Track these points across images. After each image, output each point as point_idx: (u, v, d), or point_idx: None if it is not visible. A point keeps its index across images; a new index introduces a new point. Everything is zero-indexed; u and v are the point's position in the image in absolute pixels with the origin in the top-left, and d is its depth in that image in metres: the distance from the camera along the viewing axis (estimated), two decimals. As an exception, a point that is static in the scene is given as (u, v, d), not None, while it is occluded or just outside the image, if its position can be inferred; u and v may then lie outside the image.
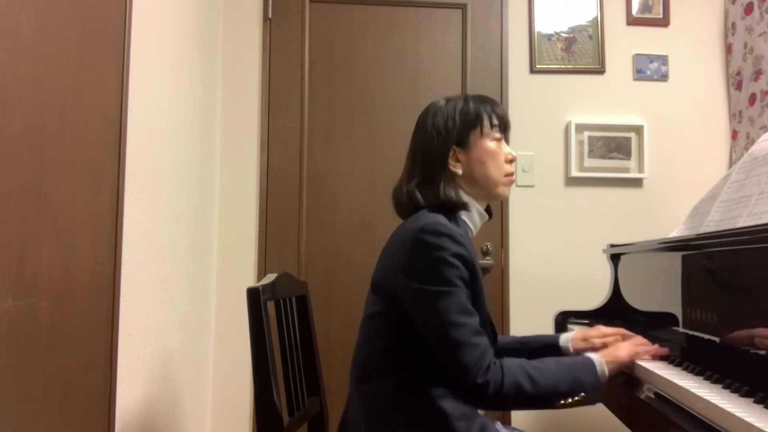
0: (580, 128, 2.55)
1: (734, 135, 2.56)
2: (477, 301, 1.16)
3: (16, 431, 0.94)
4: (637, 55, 2.61)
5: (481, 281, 1.19)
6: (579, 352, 1.35)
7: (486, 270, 2.44)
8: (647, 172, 2.56)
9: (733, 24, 2.56)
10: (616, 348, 1.28)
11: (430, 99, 1.38)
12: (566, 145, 2.57)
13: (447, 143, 1.26)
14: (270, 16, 2.49)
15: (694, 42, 2.63)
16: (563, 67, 2.58)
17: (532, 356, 1.20)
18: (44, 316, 1.01)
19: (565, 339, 1.42)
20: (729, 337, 1.14)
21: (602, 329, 1.42)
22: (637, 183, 2.57)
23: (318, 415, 1.50)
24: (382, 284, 1.22)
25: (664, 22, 2.63)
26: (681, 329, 1.35)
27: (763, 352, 1.03)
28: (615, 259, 1.90)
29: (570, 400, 1.13)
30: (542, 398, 1.12)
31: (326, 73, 2.51)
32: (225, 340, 2.38)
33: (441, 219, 1.17)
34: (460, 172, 1.26)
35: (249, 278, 2.42)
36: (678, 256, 1.39)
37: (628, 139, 2.56)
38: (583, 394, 1.13)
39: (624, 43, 2.62)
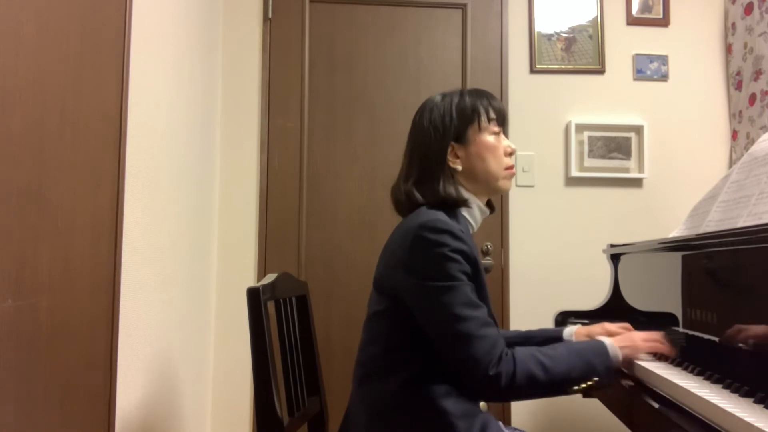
0: (580, 128, 2.55)
1: (734, 135, 2.56)
2: (480, 296, 1.16)
3: (16, 431, 0.93)
4: (637, 55, 2.61)
5: (484, 277, 1.19)
6: None
7: (486, 270, 2.43)
8: (647, 172, 2.56)
9: (733, 24, 2.56)
10: (632, 335, 1.27)
11: (430, 99, 1.38)
12: (566, 145, 2.57)
13: (445, 140, 1.25)
14: (270, 16, 2.49)
15: (694, 42, 2.63)
16: (563, 67, 2.58)
17: None
18: (44, 316, 1.01)
19: (569, 333, 1.43)
20: (729, 337, 1.14)
21: (607, 326, 1.42)
22: (637, 183, 2.57)
23: (318, 415, 1.50)
24: (383, 283, 1.22)
25: (664, 22, 2.63)
26: (681, 329, 1.34)
27: (763, 353, 1.03)
28: (615, 259, 1.90)
29: (583, 385, 1.13)
30: (555, 386, 1.12)
31: (326, 73, 2.51)
32: (225, 340, 2.38)
33: (440, 216, 1.17)
34: (459, 168, 1.25)
35: (249, 278, 2.42)
36: (678, 256, 1.39)
37: (628, 139, 2.56)
38: (596, 378, 1.13)
39: (624, 43, 2.61)
